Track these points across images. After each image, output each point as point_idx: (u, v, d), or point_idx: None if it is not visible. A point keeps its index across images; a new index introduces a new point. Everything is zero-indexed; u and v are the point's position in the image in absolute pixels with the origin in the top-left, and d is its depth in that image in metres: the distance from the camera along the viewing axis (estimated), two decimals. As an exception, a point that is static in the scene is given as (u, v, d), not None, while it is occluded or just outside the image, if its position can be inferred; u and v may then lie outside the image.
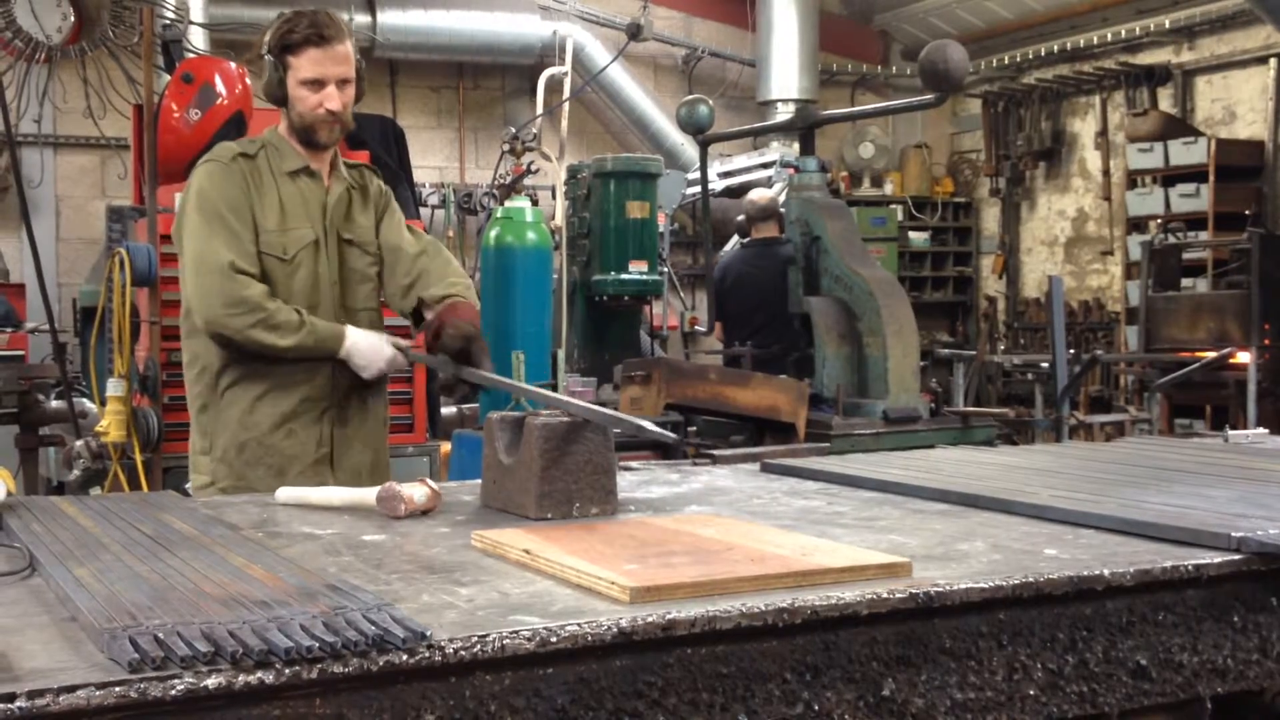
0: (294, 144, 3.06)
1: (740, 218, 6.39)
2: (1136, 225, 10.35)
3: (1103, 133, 11.30)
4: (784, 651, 1.52)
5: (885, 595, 1.57)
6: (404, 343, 3.04)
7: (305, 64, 2.95)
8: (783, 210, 6.08)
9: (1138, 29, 10.89)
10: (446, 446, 5.48)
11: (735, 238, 6.90)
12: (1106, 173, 11.25)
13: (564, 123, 6.29)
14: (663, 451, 4.12)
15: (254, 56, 3.06)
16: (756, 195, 6.31)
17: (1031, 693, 1.66)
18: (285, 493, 2.46)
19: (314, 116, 2.98)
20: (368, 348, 2.98)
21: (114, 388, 4.89)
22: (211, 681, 1.23)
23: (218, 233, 2.92)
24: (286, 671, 1.26)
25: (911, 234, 12.39)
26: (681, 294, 10.56)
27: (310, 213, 3.05)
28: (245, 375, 2.99)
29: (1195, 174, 9.74)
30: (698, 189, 7.42)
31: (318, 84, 2.96)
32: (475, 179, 11.28)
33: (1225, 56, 10.40)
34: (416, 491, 2.23)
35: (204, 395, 3.03)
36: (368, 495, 2.29)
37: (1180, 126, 10.25)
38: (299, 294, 3.00)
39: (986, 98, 12.18)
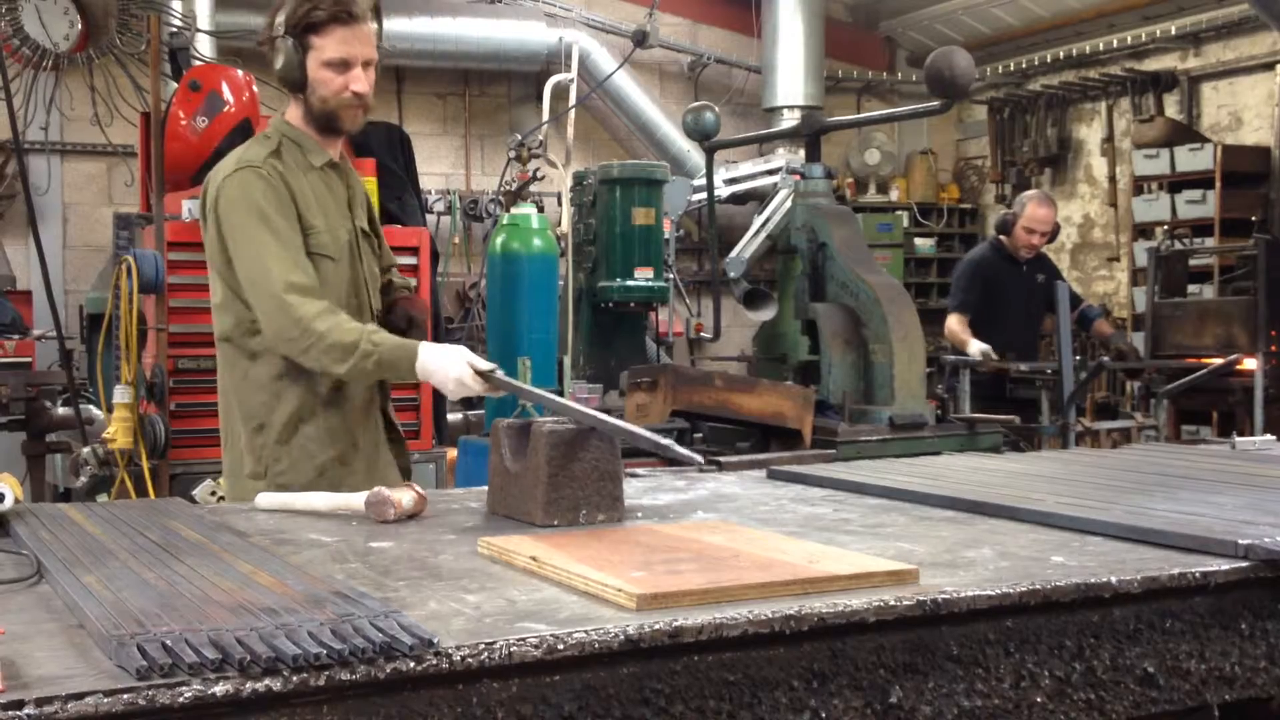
0: (312, 134, 2.88)
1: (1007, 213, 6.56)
2: (1143, 231, 10.34)
3: (1109, 139, 11.29)
4: (791, 659, 1.52)
5: (892, 602, 1.57)
6: (483, 365, 2.63)
7: (331, 44, 2.76)
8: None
9: (1144, 35, 10.88)
10: (453, 453, 5.49)
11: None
12: (1112, 179, 11.24)
13: (570, 129, 6.28)
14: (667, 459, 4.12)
15: (264, 39, 2.84)
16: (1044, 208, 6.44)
17: (1039, 700, 1.66)
18: (268, 499, 2.46)
19: (338, 100, 2.80)
20: (442, 367, 2.64)
21: (121, 394, 4.90)
22: (219, 689, 1.23)
23: (268, 247, 2.74)
24: (294, 679, 1.26)
25: (917, 240, 12.38)
26: (687, 300, 10.56)
27: (341, 210, 2.92)
28: (325, 400, 2.86)
29: (1201, 180, 9.72)
30: (704, 195, 7.42)
31: (344, 65, 2.77)
32: (481, 185, 11.29)
33: (1231, 63, 10.39)
34: (405, 496, 2.27)
35: (261, 415, 2.87)
36: (354, 500, 2.32)
37: (1186, 133, 10.24)
38: (347, 295, 2.89)
39: (992, 104, 12.17)
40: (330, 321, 2.70)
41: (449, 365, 2.63)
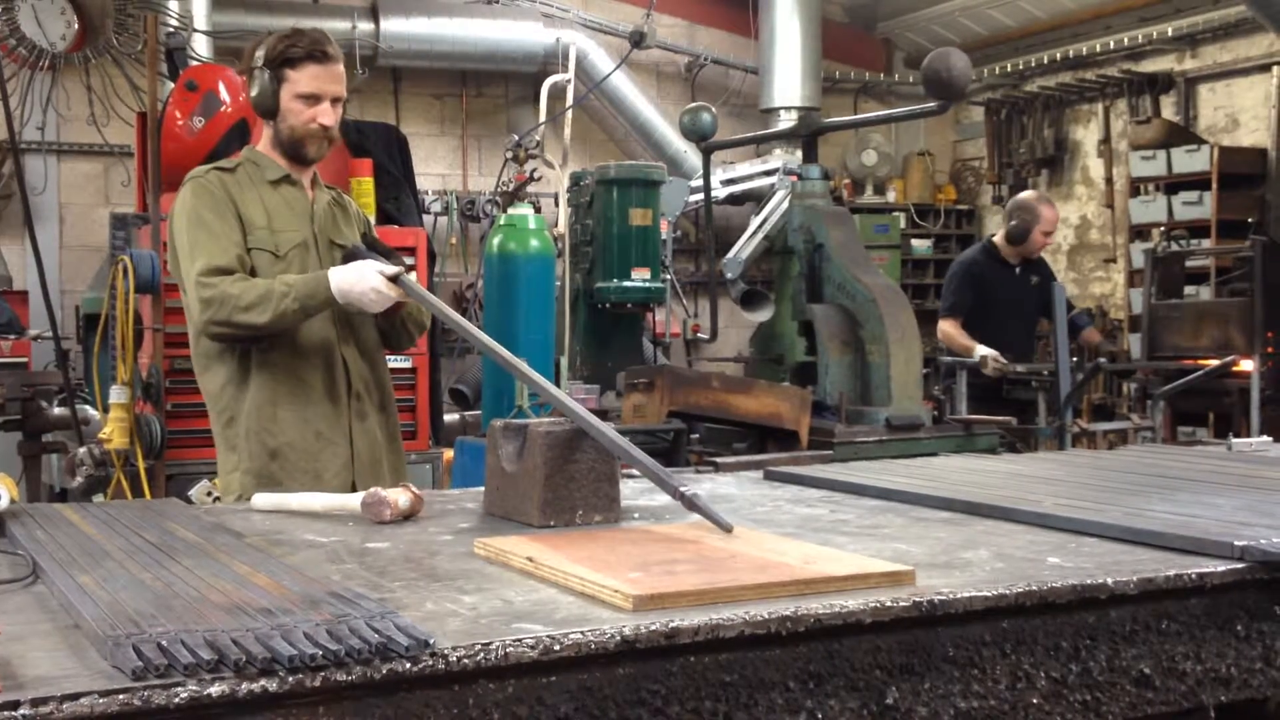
0: (276, 158, 3.10)
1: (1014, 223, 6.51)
2: (1139, 233, 10.34)
3: (1105, 140, 11.29)
4: (787, 660, 1.52)
5: (889, 604, 1.57)
6: (391, 269, 2.88)
7: (304, 79, 3.01)
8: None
9: (1140, 37, 10.89)
10: (449, 453, 5.49)
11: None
12: (1109, 180, 11.25)
13: (567, 130, 6.27)
14: (666, 459, 4.13)
15: (243, 69, 3.10)
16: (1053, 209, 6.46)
17: (1035, 701, 1.66)
18: (264, 499, 2.47)
19: (305, 130, 3.03)
20: (355, 284, 2.86)
21: (117, 395, 4.90)
22: (215, 689, 1.23)
23: (187, 246, 2.96)
24: (290, 679, 1.26)
25: (914, 241, 12.38)
26: (684, 301, 10.55)
27: (297, 216, 3.09)
28: (265, 382, 3.00)
29: (1198, 182, 9.72)
30: (701, 196, 7.41)
31: (314, 99, 3.02)
32: (478, 186, 11.28)
33: (1228, 64, 10.40)
34: (401, 497, 2.28)
35: (230, 408, 3.03)
36: (351, 500, 2.32)
37: (1183, 134, 10.25)
38: None
39: (989, 105, 12.18)
40: (242, 284, 2.90)
41: (362, 280, 2.86)
